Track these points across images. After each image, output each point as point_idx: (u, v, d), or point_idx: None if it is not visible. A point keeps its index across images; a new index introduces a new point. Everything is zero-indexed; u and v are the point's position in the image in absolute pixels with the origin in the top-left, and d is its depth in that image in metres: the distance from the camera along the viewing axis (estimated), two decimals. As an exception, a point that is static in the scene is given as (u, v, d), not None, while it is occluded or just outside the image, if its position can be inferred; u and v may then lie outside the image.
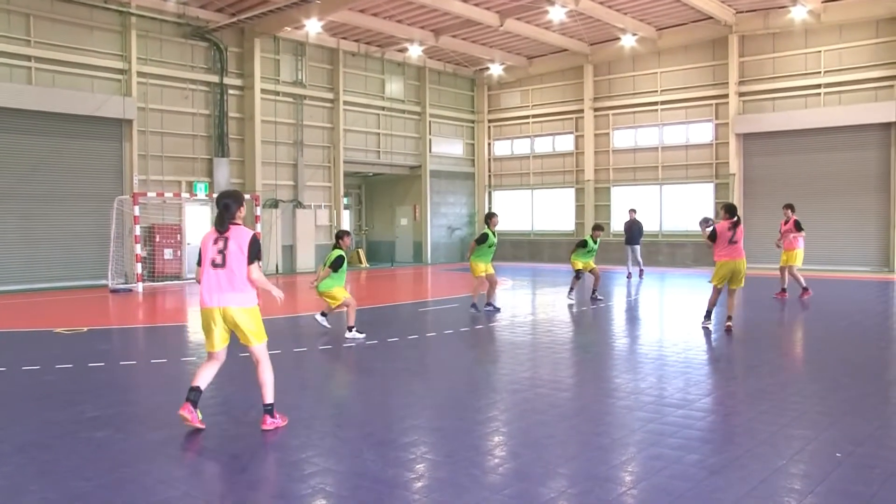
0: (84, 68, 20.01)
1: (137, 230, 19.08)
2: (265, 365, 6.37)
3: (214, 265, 6.13)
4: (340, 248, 11.49)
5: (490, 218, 13.83)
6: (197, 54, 22.55)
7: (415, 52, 26.41)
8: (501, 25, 23.80)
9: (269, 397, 6.27)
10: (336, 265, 11.32)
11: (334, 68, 26.17)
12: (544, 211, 30.35)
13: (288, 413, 6.70)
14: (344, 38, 25.92)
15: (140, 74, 21.02)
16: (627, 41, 25.45)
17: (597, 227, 16.52)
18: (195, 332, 12.51)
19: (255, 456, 5.60)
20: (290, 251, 24.92)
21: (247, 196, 21.79)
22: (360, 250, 28.76)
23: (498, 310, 13.91)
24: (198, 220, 22.71)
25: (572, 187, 29.49)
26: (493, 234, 13.61)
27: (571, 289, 15.91)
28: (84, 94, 19.86)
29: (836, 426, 6.24)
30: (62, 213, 19.56)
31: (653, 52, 26.58)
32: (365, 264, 28.05)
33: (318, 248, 25.58)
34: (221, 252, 6.09)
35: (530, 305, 16.02)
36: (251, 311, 6.25)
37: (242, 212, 6.22)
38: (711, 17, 24.08)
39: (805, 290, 15.91)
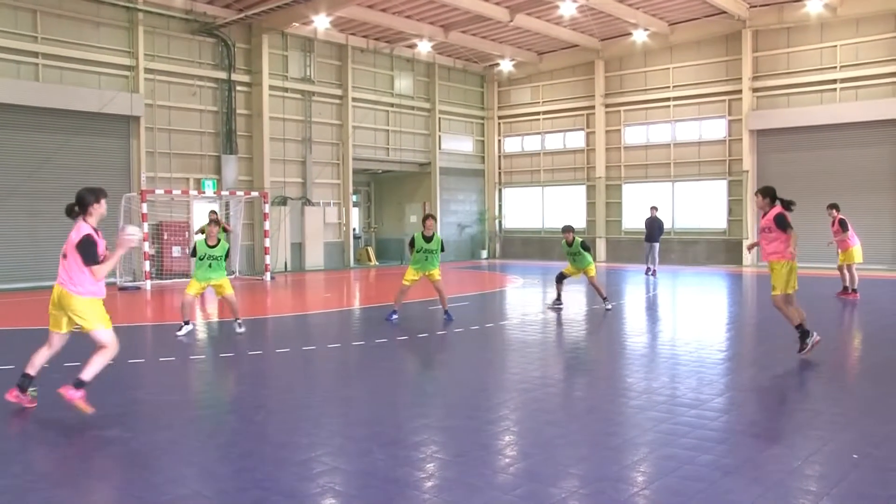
0: (91, 65, 20.10)
1: (145, 227, 19.14)
2: (105, 352, 6.69)
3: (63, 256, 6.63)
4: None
5: (424, 221, 12.71)
6: (205, 51, 22.60)
7: (424, 47, 26.40)
8: (511, 21, 23.77)
9: (87, 375, 6.56)
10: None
11: (343, 64, 26.19)
12: (555, 208, 30.31)
13: (297, 412, 6.73)
14: (352, 34, 25.93)
15: (147, 71, 21.08)
16: (639, 36, 25.37)
17: (566, 230, 14.55)
18: (203, 331, 12.55)
19: (263, 455, 5.62)
20: (298, 249, 24.96)
21: (254, 193, 21.96)
22: (369, 248, 28.79)
23: (451, 319, 12.78)
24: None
25: (583, 184, 29.43)
26: (427, 238, 12.50)
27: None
28: (91, 90, 19.94)
29: (853, 427, 6.21)
30: (70, 211, 19.63)
31: (665, 47, 26.49)
32: (374, 262, 28.08)
33: (327, 246, 25.64)
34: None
35: (541, 304, 15.99)
36: (84, 301, 6.55)
37: (97, 208, 6.71)
38: (724, 12, 23.98)
39: (853, 291, 15.73)
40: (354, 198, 28.65)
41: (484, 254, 31.11)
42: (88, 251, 6.49)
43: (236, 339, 11.36)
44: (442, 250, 12.74)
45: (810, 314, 9.74)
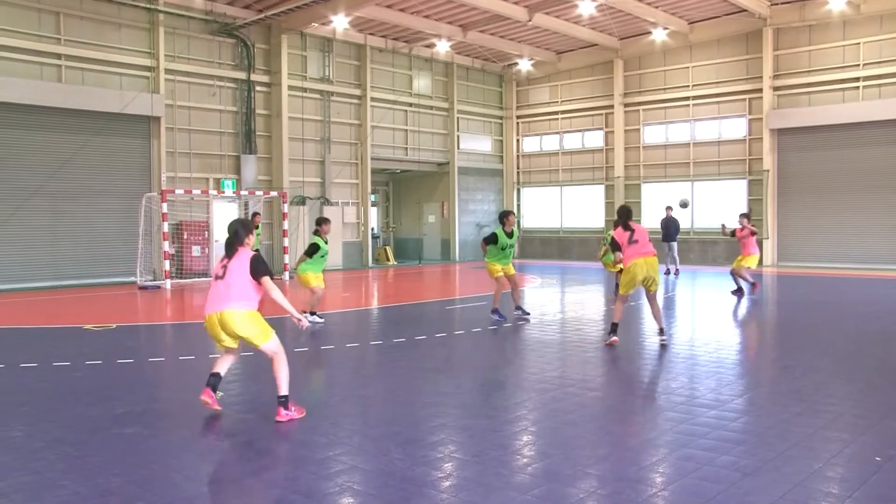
0: (112, 66, 20.28)
1: (165, 227, 19.28)
2: (278, 360, 6.64)
3: (216, 277, 6.73)
4: (318, 236, 12.26)
5: (504, 218, 12.88)
6: (224, 51, 22.74)
7: (442, 47, 26.41)
8: (530, 20, 23.72)
9: (282, 389, 6.56)
10: (310, 252, 12.10)
11: (361, 64, 26.26)
12: (573, 208, 30.22)
13: (315, 411, 6.74)
14: (371, 34, 25.99)
15: (168, 71, 21.24)
16: (658, 35, 25.24)
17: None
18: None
19: (282, 453, 5.64)
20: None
21: (273, 193, 22.07)
22: (387, 248, 28.84)
23: (527, 315, 13.00)
24: (225, 217, 22.89)
25: (602, 184, 29.32)
26: (509, 234, 12.65)
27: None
28: (112, 91, 20.12)
29: (874, 429, 6.14)
30: (91, 211, 19.84)
31: (684, 46, 26.33)
32: (392, 262, 28.13)
33: (346, 246, 25.71)
34: (224, 267, 6.70)
35: (559, 304, 15.95)
36: (248, 315, 6.59)
37: (251, 239, 6.93)
38: (745, 10, 23.79)
39: (747, 288, 15.90)
40: (373, 197, 28.71)
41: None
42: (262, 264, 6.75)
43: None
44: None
45: (834, 315, 9.64)
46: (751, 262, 16.08)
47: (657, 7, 23.81)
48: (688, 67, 26.68)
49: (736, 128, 25.98)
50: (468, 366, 9.56)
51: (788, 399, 7.24)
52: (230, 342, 6.71)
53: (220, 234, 22.26)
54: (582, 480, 5.04)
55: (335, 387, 8.33)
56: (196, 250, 21.39)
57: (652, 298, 10.35)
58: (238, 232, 6.84)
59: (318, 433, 6.15)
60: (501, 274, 12.74)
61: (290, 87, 23.99)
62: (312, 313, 12.25)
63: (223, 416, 6.78)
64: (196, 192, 20.70)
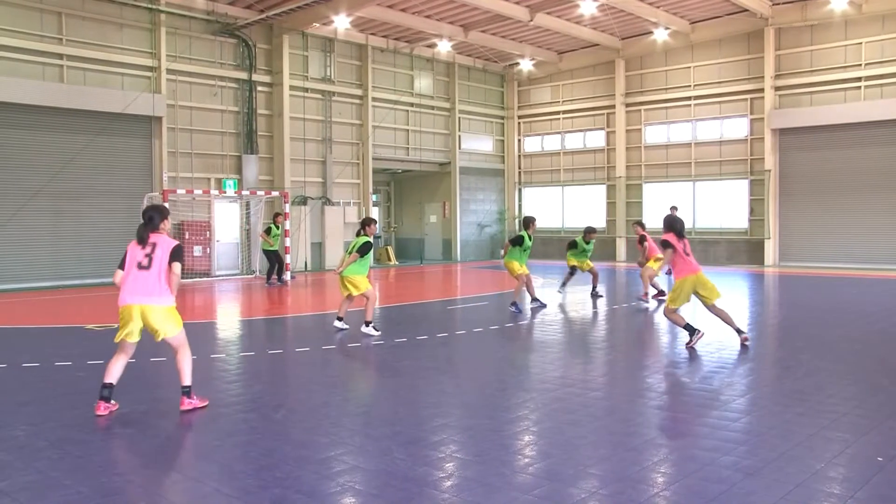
0: (114, 66, 20.31)
1: (167, 227, 19.26)
2: (182, 352, 6.92)
3: (140, 267, 6.75)
4: (366, 235, 11.47)
5: (530, 223, 14.45)
6: (226, 51, 22.76)
7: (444, 47, 26.42)
8: (531, 20, 23.73)
9: (185, 380, 6.85)
10: (363, 251, 11.24)
11: (363, 64, 26.27)
12: (575, 208, 30.23)
13: (316, 411, 6.74)
14: (372, 34, 26.01)
15: (169, 72, 21.27)
16: (660, 35, 25.24)
17: (590, 230, 16.78)
18: (224, 329, 12.65)
19: (284, 453, 5.65)
20: (318, 248, 25.06)
21: (275, 193, 22.10)
22: (388, 248, 28.84)
23: (543, 305, 14.39)
24: (227, 218, 22.95)
25: (604, 184, 29.32)
26: (530, 237, 14.13)
27: (564, 283, 16.95)
28: (114, 91, 20.15)
29: (877, 430, 6.14)
30: (93, 210, 19.86)
31: (686, 46, 26.34)
32: (394, 262, 28.13)
33: (347, 246, 25.65)
34: (149, 256, 6.75)
35: (561, 303, 15.95)
36: (169, 311, 6.82)
37: (167, 224, 7.02)
38: (747, 10, 23.79)
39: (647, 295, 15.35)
40: (374, 197, 28.72)
41: (503, 253, 31.08)
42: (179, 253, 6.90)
43: (255, 339, 11.42)
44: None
45: (837, 315, 9.63)
46: (656, 265, 15.19)
47: (658, 7, 23.80)
48: (689, 67, 26.68)
49: (737, 128, 25.98)
50: (470, 366, 9.56)
51: (790, 399, 7.24)
52: (137, 336, 6.81)
53: (221, 234, 22.36)
54: (584, 480, 5.05)
55: (336, 387, 8.34)
56: (198, 250, 21.41)
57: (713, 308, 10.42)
58: (153, 217, 6.88)
59: (320, 433, 6.16)
60: (522, 272, 14.02)
61: (292, 87, 24.01)
62: (340, 318, 11.77)
63: (224, 416, 6.79)
64: (198, 192, 20.72)
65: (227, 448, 5.88)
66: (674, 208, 22.31)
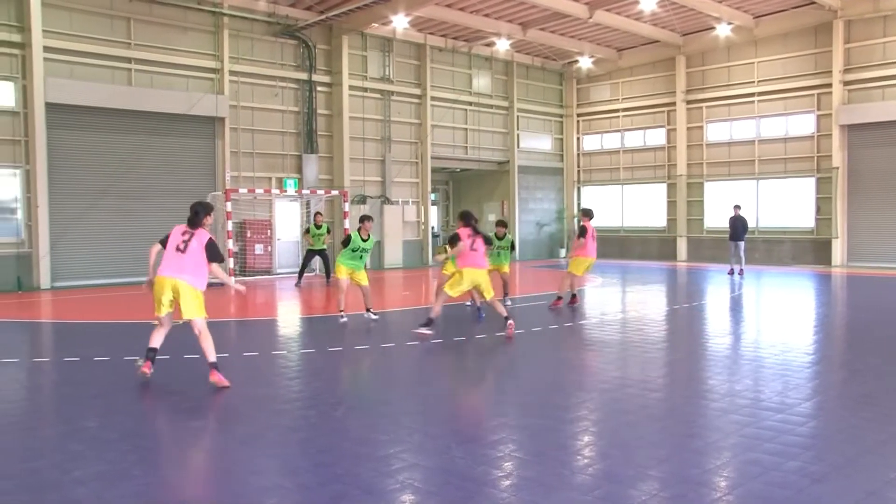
0: (179, 68, 20.79)
1: (230, 226, 19.70)
2: (203, 336, 7.80)
3: (178, 250, 7.79)
4: (357, 231, 12.49)
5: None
6: (286, 52, 23.10)
7: (502, 46, 26.34)
8: (591, 17, 23.48)
9: (211, 357, 7.72)
10: (343, 243, 12.55)
11: (421, 64, 26.38)
12: (634, 207, 29.83)
13: (375, 408, 6.80)
14: (431, 34, 26.09)
15: (232, 73, 21.68)
16: (722, 30, 24.70)
17: (500, 223, 15.26)
18: (285, 326, 12.85)
19: (343, 450, 5.72)
20: (378, 247, 25.23)
21: (335, 192, 22.35)
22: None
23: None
24: (288, 216, 23.30)
25: (664, 182, 28.87)
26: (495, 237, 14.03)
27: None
28: (179, 93, 20.64)
29: (951, 435, 5.92)
30: (158, 209, 20.30)
31: (749, 41, 25.74)
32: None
33: (406, 245, 25.87)
34: (186, 242, 7.80)
35: (620, 303, 15.78)
36: (196, 292, 7.82)
37: (209, 219, 8.06)
38: (814, 2, 23.13)
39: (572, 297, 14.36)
40: (433, 196, 28.81)
41: (563, 252, 30.85)
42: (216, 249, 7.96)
43: (316, 336, 11.59)
44: (513, 249, 14.58)
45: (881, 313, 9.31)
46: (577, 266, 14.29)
47: (721, 2, 23.31)
48: (753, 63, 26.06)
49: (803, 124, 25.28)
50: (528, 365, 9.53)
51: (858, 403, 7.03)
52: (168, 307, 7.81)
53: (282, 233, 22.71)
54: (643, 482, 4.99)
55: (396, 385, 8.40)
56: (259, 248, 21.79)
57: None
58: (198, 213, 7.91)
59: (379, 430, 6.21)
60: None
61: (351, 87, 24.24)
62: (368, 309, 12.66)
63: (285, 412, 6.91)
64: (259, 191, 21.07)
65: (288, 444, 5.98)
66: (737, 207, 21.88)
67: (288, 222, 23.26)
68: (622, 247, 29.75)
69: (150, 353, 7.89)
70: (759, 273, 22.08)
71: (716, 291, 17.77)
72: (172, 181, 20.61)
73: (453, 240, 11.65)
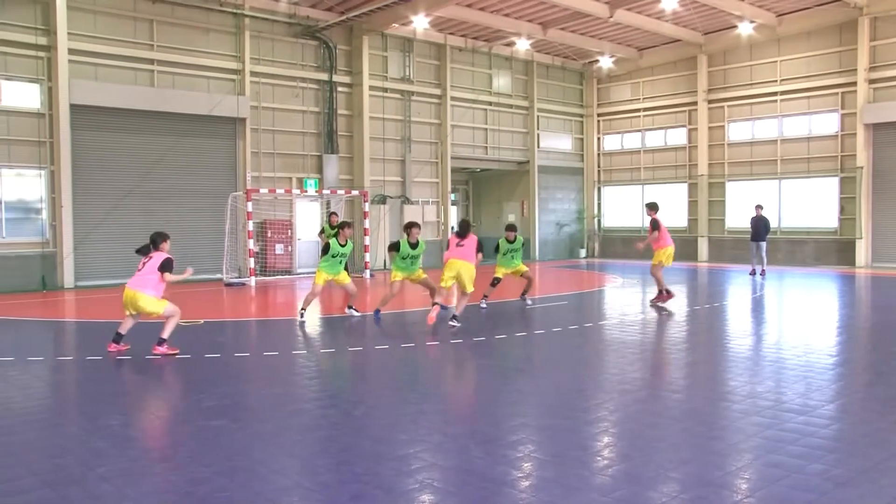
0: (201, 69, 20.95)
1: (250, 226, 19.82)
2: (172, 320, 9.53)
3: (138, 270, 9.69)
4: (337, 237, 12.95)
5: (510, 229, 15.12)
6: (307, 53, 23.20)
7: (522, 45, 26.30)
8: (611, 17, 23.37)
9: (165, 334, 9.42)
10: (323, 251, 12.95)
11: (441, 64, 26.39)
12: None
13: (395, 408, 6.81)
14: (451, 34, 26.09)
15: (253, 74, 21.81)
16: (744, 29, 24.50)
17: (510, 227, 15.48)
18: (307, 326, 12.90)
19: (363, 449, 5.73)
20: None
21: (355, 192, 22.41)
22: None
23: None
24: (308, 216, 23.39)
25: (685, 182, 28.69)
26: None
27: (485, 295, 14.80)
28: (201, 94, 20.79)
29: (978, 439, 5.83)
30: (180, 209, 20.53)
31: (772, 39, 25.50)
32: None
33: (426, 244, 25.82)
34: (144, 264, 9.71)
35: (641, 304, 15.69)
36: (149, 298, 9.53)
37: (166, 245, 10.04)
38: (839, 0, 22.88)
39: (666, 293, 14.42)
40: (453, 196, 28.81)
41: (583, 253, 30.78)
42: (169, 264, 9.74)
43: (336, 336, 11.63)
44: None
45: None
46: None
47: (743, 0, 23.12)
48: (776, 61, 25.83)
49: (827, 123, 25.01)
50: (548, 365, 9.50)
51: (884, 406, 6.94)
52: (133, 313, 9.58)
53: (302, 233, 22.80)
54: (664, 484, 4.96)
55: (415, 384, 8.41)
56: (279, 248, 21.91)
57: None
58: (155, 240, 10.01)
59: (398, 430, 6.22)
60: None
61: (371, 88, 24.30)
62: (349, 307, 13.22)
63: (305, 411, 6.93)
64: (280, 191, 21.18)
65: (308, 443, 6.00)
66: (759, 207, 21.70)
67: (308, 222, 23.35)
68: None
69: (117, 337, 9.62)
70: (782, 274, 21.87)
71: (737, 292, 17.62)
72: (194, 182, 20.78)
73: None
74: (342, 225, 13.28)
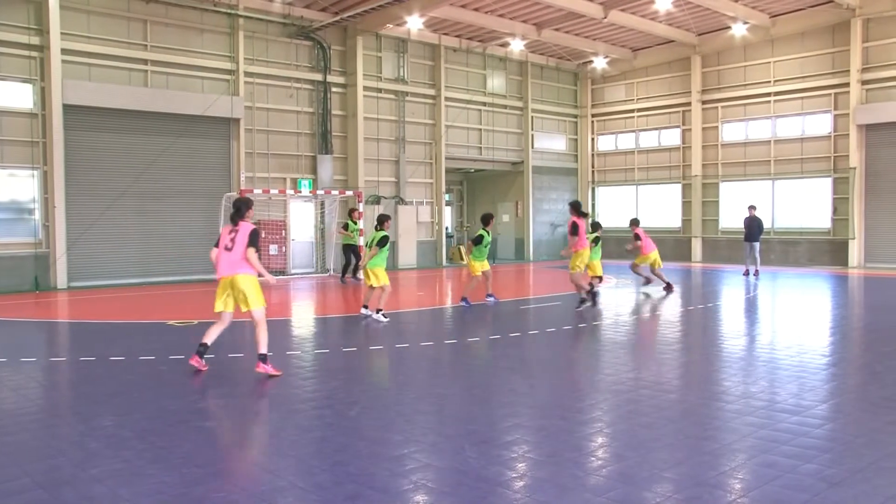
0: (195, 70, 20.92)
1: (244, 226, 19.75)
2: (260, 328, 8.45)
3: (226, 249, 8.40)
4: (384, 230, 12.90)
5: (489, 219, 15.46)
6: (301, 53, 23.18)
7: (517, 46, 26.33)
8: (605, 17, 23.42)
9: (262, 349, 8.38)
10: (382, 244, 12.70)
11: (436, 64, 26.39)
12: (649, 207, 29.70)
13: (390, 408, 6.81)
14: (445, 34, 26.10)
15: (247, 74, 21.78)
16: (738, 30, 24.59)
17: (487, 217, 15.81)
18: (299, 327, 12.89)
19: (358, 450, 5.73)
20: (392, 247, 25.22)
21: (349, 192, 22.42)
22: (461, 247, 28.88)
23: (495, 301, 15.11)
24: (302, 217, 23.38)
25: (679, 183, 28.75)
26: (488, 233, 15.12)
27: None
28: (195, 94, 20.75)
29: (970, 438, 5.85)
30: (174, 210, 20.50)
31: (766, 40, 25.58)
32: (466, 261, 28.11)
33: (420, 245, 25.89)
34: (232, 240, 8.38)
35: (634, 304, 15.72)
36: (251, 279, 8.46)
37: (251, 213, 8.64)
38: (832, 1, 22.96)
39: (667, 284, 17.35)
40: (447, 197, 28.81)
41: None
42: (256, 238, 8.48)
43: (330, 336, 11.61)
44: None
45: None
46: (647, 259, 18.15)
47: (737, 1, 23.19)
48: (769, 62, 25.91)
49: (820, 124, 25.10)
50: (543, 366, 9.51)
51: (878, 406, 6.96)
52: (222, 306, 8.45)
53: (297, 233, 22.79)
54: (658, 484, 4.96)
55: (410, 385, 8.40)
56: (273, 249, 21.87)
57: None
58: (240, 208, 8.54)
59: (393, 430, 6.22)
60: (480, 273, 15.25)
61: (366, 88, 24.29)
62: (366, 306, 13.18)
63: (299, 412, 6.93)
64: (274, 191, 21.16)
65: (303, 443, 5.99)
66: (752, 208, 21.73)
67: (302, 223, 23.34)
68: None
69: (201, 349, 8.51)
70: (775, 274, 21.94)
71: (731, 293, 17.67)
72: (188, 182, 20.75)
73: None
74: (383, 218, 13.23)
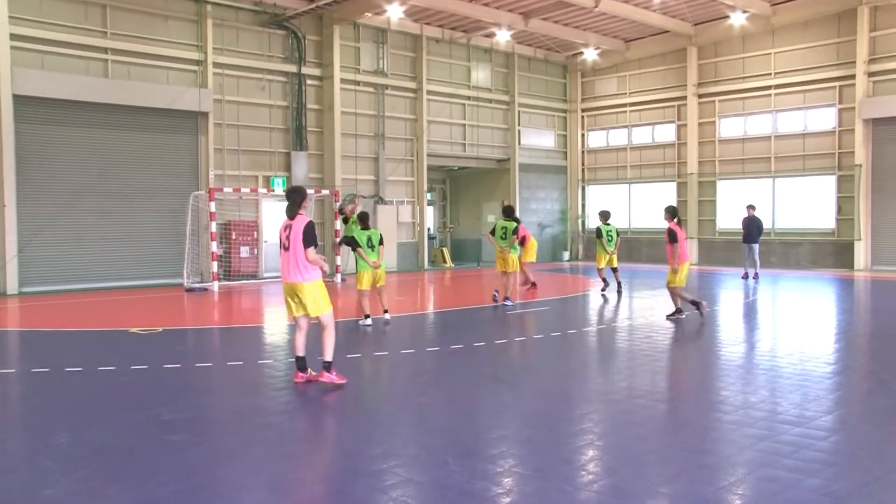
0: (159, 60, 20.77)
1: (213, 227, 19.67)
2: (328, 332, 8.20)
3: (284, 249, 8.15)
4: (373, 229, 13.52)
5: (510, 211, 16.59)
6: (274, 43, 23.10)
7: (503, 37, 26.35)
8: (597, 6, 23.48)
9: (328, 356, 8.12)
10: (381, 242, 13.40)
11: (417, 56, 26.39)
12: (642, 207, 29.83)
13: (369, 420, 6.78)
14: (427, 24, 26.10)
15: (216, 65, 21.66)
16: (737, 19, 24.76)
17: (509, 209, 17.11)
18: (272, 334, 12.83)
19: (334, 464, 5.69)
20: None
21: (325, 191, 22.35)
22: (444, 249, 28.91)
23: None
24: (275, 217, 23.27)
25: (673, 181, 28.90)
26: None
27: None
28: (160, 86, 20.62)
29: (981, 449, 5.90)
30: (137, 210, 20.33)
31: (766, 30, 25.76)
32: (449, 264, 28.18)
33: (401, 246, 25.85)
34: (287, 237, 8.09)
35: (627, 309, 15.77)
36: (315, 285, 8.13)
37: (307, 203, 8.35)
38: (837, -12, 23.17)
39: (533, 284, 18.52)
40: (429, 196, 28.82)
41: (566, 255, 30.89)
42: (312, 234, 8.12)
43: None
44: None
45: None
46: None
47: (736, -11, 23.38)
48: (770, 54, 26.09)
49: (824, 118, 25.31)
50: (530, 374, 9.51)
51: (885, 417, 7.01)
52: (295, 311, 8.22)
53: (269, 235, 22.71)
54: (653, 499, 4.97)
55: (390, 395, 8.38)
56: (244, 251, 21.78)
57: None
58: (294, 199, 8.20)
59: (373, 443, 6.19)
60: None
61: (343, 81, 24.23)
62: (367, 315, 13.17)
63: (272, 425, 6.88)
64: (245, 190, 21.07)
65: (276, 459, 5.95)
66: (751, 207, 21.88)
67: (276, 223, 23.22)
68: (630, 249, 29.65)
69: (299, 363, 8.29)
70: (776, 277, 22.09)
71: (729, 296, 17.77)
72: (153, 180, 20.60)
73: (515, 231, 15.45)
74: (364, 217, 13.83)
